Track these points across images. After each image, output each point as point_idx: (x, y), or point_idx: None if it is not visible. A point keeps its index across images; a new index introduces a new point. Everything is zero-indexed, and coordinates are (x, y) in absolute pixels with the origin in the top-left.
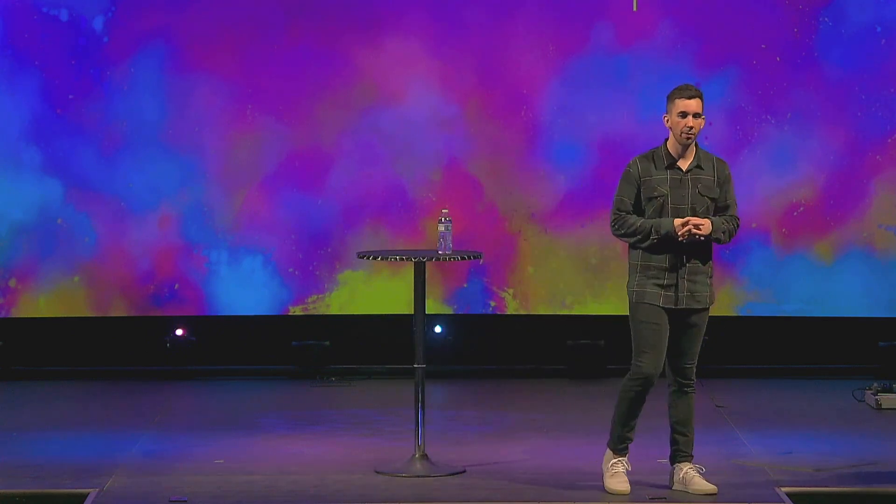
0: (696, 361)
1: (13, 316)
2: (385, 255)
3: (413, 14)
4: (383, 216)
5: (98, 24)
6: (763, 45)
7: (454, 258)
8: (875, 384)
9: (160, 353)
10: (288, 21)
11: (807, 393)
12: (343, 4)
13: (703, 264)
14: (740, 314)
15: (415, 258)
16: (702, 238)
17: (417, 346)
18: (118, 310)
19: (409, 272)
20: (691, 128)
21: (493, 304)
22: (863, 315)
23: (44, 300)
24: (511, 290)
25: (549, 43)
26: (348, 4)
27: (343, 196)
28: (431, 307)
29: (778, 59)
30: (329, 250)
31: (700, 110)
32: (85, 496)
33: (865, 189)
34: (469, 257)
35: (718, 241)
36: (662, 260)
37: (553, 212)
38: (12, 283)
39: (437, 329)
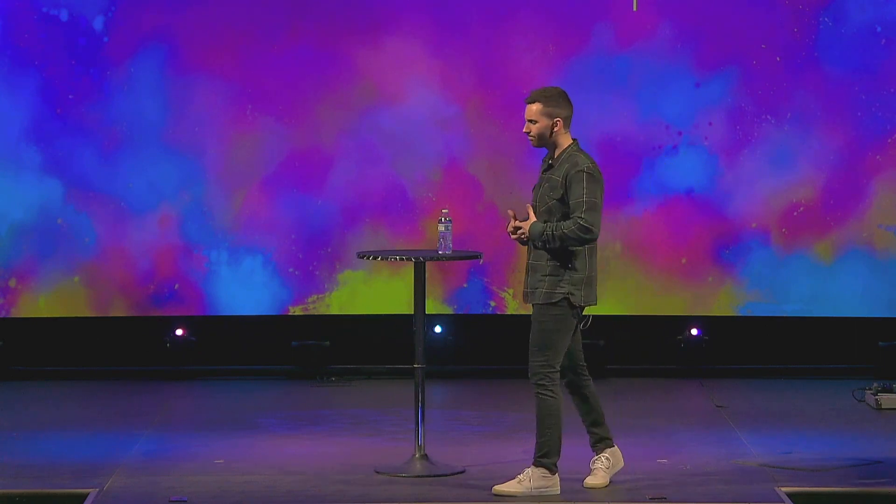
0: (536, 359)
1: (13, 316)
2: (385, 255)
3: (413, 14)
4: (383, 216)
5: (98, 24)
6: (763, 45)
7: (454, 258)
8: (875, 384)
9: (160, 353)
10: (288, 21)
11: (807, 393)
12: (343, 5)
13: (542, 262)
14: (740, 314)
15: (415, 258)
16: (524, 239)
17: (417, 346)
18: (118, 310)
19: (409, 272)
20: (528, 132)
21: (493, 304)
22: (863, 315)
23: (44, 300)
24: (511, 290)
25: (549, 43)
26: (348, 5)
27: (343, 196)
28: (431, 307)
29: (778, 59)
30: (329, 250)
31: (531, 116)
32: (85, 496)
33: (865, 189)
34: (469, 257)
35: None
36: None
37: None
38: (12, 283)
39: (437, 329)
